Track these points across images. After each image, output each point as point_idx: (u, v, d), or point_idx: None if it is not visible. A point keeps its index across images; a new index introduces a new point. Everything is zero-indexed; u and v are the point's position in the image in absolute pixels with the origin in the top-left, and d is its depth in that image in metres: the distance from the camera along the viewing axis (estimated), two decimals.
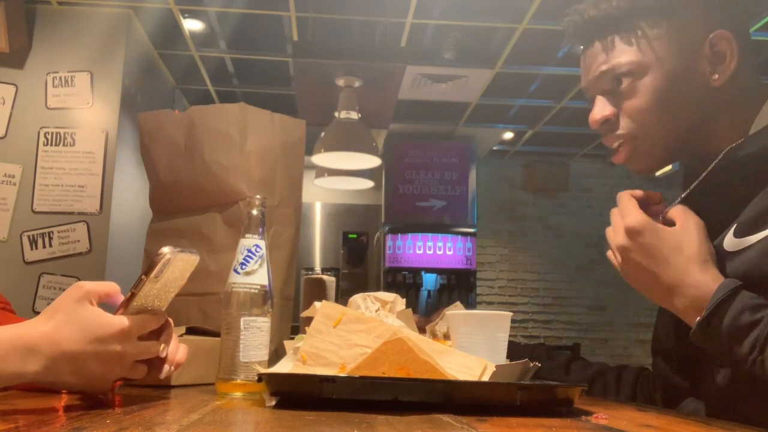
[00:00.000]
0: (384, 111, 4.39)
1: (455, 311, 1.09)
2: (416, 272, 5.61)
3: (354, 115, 3.77)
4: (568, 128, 5.61)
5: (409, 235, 5.68)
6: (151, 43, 3.99)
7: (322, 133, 3.78)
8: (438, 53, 4.13)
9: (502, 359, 1.00)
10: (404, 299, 1.17)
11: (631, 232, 0.95)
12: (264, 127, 1.38)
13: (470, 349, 0.95)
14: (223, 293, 0.95)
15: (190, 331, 1.12)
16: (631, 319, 6.43)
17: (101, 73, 3.49)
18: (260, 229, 0.98)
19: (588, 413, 0.80)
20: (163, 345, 0.84)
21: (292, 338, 1.23)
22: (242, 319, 0.93)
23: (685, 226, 0.94)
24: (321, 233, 6.02)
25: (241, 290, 0.94)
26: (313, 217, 6.00)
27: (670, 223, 0.96)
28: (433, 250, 5.66)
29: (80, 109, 3.46)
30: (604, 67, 1.03)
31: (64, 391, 0.87)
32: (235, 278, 0.95)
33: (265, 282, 0.96)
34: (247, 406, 0.84)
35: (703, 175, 1.01)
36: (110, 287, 0.80)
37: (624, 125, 1.03)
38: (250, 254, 0.96)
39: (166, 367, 0.85)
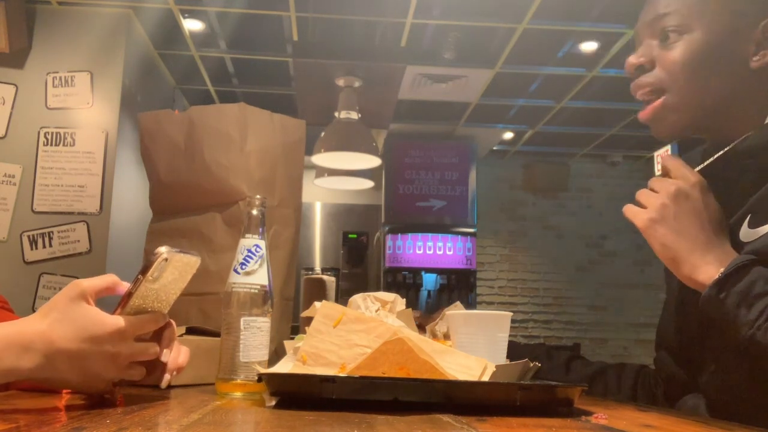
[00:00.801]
0: (384, 111, 4.39)
1: (455, 311, 1.09)
2: (416, 272, 5.61)
3: (354, 115, 3.77)
4: (568, 128, 5.61)
5: (409, 235, 5.68)
6: (151, 43, 3.99)
7: (322, 133, 3.78)
8: (438, 53, 4.13)
9: (502, 359, 1.00)
10: (404, 299, 1.17)
11: (680, 193, 0.94)
12: (264, 127, 1.38)
13: (470, 349, 0.95)
14: (223, 293, 0.95)
15: (190, 331, 1.12)
16: (631, 319, 6.43)
17: (101, 73, 3.49)
18: (260, 229, 0.98)
19: (588, 413, 0.80)
20: (164, 349, 0.83)
21: (292, 338, 1.23)
22: (242, 319, 0.93)
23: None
24: (321, 233, 6.02)
25: (241, 290, 0.94)
26: (313, 217, 6.00)
27: None
28: (433, 250, 5.66)
29: (80, 109, 3.46)
30: (661, 11, 1.03)
31: (64, 391, 0.87)
32: (235, 278, 0.95)
33: (265, 282, 0.96)
34: (247, 406, 0.84)
35: (710, 160, 1.02)
36: (108, 280, 0.79)
37: (656, 73, 1.04)
38: (250, 254, 0.96)
39: (167, 376, 0.85)
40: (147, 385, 0.96)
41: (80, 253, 3.34)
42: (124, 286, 0.80)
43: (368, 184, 4.53)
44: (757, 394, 0.90)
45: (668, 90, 1.03)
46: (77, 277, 2.75)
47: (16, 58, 3.40)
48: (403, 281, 5.57)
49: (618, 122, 5.41)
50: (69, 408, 0.77)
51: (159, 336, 0.84)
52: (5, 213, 3.32)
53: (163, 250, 0.77)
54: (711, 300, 0.88)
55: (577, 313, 6.52)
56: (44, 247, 3.33)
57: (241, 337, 0.92)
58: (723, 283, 0.87)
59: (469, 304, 5.44)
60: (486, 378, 0.85)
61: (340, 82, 3.83)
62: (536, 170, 6.53)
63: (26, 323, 0.74)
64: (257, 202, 0.98)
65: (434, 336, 1.20)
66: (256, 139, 1.35)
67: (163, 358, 0.84)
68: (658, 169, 5.57)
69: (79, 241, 3.34)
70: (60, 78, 3.46)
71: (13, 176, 3.36)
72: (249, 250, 0.96)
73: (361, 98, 3.86)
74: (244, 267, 0.95)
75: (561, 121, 5.37)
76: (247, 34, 3.98)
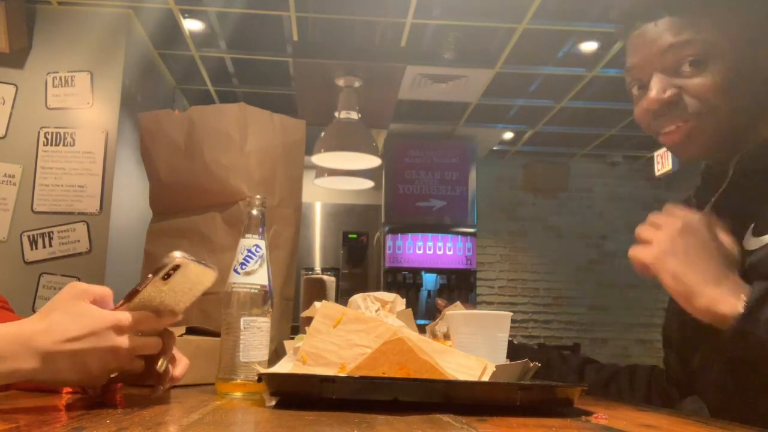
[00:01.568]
0: (384, 111, 4.39)
1: (455, 311, 1.09)
2: (416, 272, 5.61)
3: (354, 115, 3.77)
4: (568, 128, 5.61)
5: (409, 235, 5.68)
6: (151, 43, 3.99)
7: (322, 133, 3.78)
8: (438, 53, 4.13)
9: (502, 359, 1.00)
10: (404, 299, 1.17)
11: (686, 227, 0.92)
12: (264, 127, 1.38)
13: (470, 349, 0.95)
14: (223, 293, 0.95)
15: (190, 331, 1.12)
16: (631, 319, 6.43)
17: (101, 73, 3.49)
18: (260, 229, 0.98)
19: (588, 413, 0.80)
20: (161, 358, 0.83)
21: (292, 338, 1.23)
22: (242, 319, 0.93)
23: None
24: (321, 233, 6.03)
25: (241, 290, 0.94)
26: (313, 217, 6.00)
27: None
28: (433, 250, 5.66)
29: (80, 109, 3.46)
30: (672, 41, 1.00)
31: (64, 390, 0.87)
32: (235, 278, 0.95)
33: (265, 282, 0.96)
34: (247, 406, 0.84)
35: (729, 177, 1.02)
36: (103, 290, 0.79)
37: (690, 104, 1.00)
38: (250, 254, 0.96)
39: (160, 387, 0.85)
40: (147, 385, 0.96)
41: (80, 253, 3.34)
42: (111, 304, 0.80)
43: (368, 184, 4.53)
44: (760, 393, 0.90)
45: (702, 116, 1.00)
46: (77, 277, 2.76)
47: (16, 58, 3.40)
48: (403, 281, 5.58)
49: (618, 122, 5.41)
50: (69, 408, 0.77)
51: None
52: (5, 213, 3.32)
53: (177, 255, 0.76)
54: (741, 333, 0.85)
55: (577, 313, 6.52)
56: (44, 247, 3.33)
57: (241, 337, 0.92)
58: (751, 313, 0.84)
59: (469, 304, 5.43)
60: (486, 378, 0.85)
61: (340, 82, 3.83)
62: (536, 170, 6.53)
63: (26, 324, 0.74)
64: (257, 202, 0.98)
65: (434, 336, 1.20)
66: (256, 139, 1.35)
67: (161, 369, 0.83)
68: (658, 169, 5.55)
69: (79, 241, 3.34)
70: (60, 78, 3.46)
71: (13, 176, 3.36)
72: (249, 250, 0.96)
73: (361, 98, 3.86)
74: (244, 267, 0.95)
75: (561, 121, 5.37)
76: (248, 34, 3.98)
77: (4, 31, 3.24)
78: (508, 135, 5.87)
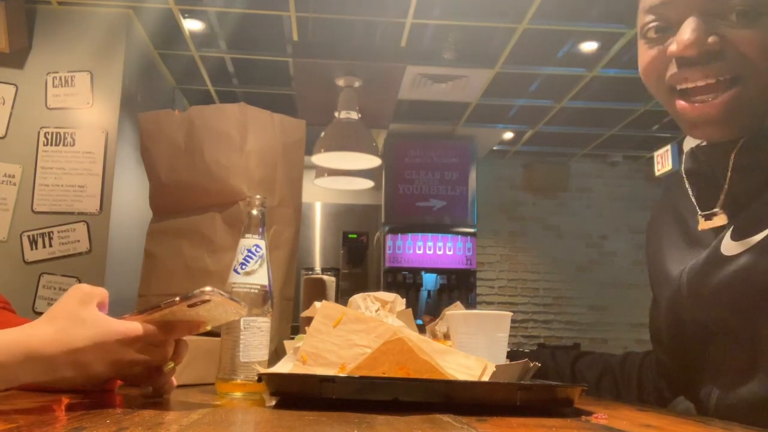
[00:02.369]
0: (384, 111, 4.39)
1: (455, 311, 1.09)
2: (416, 272, 5.62)
3: (354, 115, 3.77)
4: (568, 128, 5.61)
5: (409, 235, 5.68)
6: (151, 43, 3.99)
7: (322, 133, 3.78)
8: (438, 53, 4.13)
9: (502, 359, 1.00)
10: (404, 299, 1.17)
11: None
12: (264, 127, 1.38)
13: (470, 349, 0.95)
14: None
15: None
16: (631, 319, 6.43)
17: (101, 73, 3.49)
18: (260, 229, 0.98)
19: (588, 413, 0.80)
20: (170, 361, 0.84)
21: (292, 338, 1.23)
22: (242, 319, 0.93)
23: None
24: (321, 233, 6.03)
25: (242, 290, 0.94)
26: (313, 217, 6.00)
27: None
28: (433, 250, 5.66)
29: (80, 109, 3.46)
30: None
31: (64, 392, 0.87)
32: (235, 278, 0.95)
33: (265, 282, 0.96)
34: (247, 406, 0.84)
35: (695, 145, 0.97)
36: (102, 294, 0.79)
37: (733, 60, 0.84)
38: (250, 254, 0.96)
39: (149, 388, 0.85)
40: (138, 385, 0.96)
41: (80, 253, 3.34)
42: (106, 307, 0.80)
43: (368, 184, 4.53)
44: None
45: (743, 79, 0.85)
46: (77, 278, 2.75)
47: (16, 58, 3.40)
48: (403, 281, 5.58)
49: (618, 122, 5.41)
50: (69, 408, 0.77)
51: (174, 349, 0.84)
52: (5, 213, 3.32)
53: (208, 290, 0.76)
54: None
55: (577, 313, 6.52)
56: (44, 247, 3.33)
57: (241, 337, 0.92)
58: None
59: (469, 304, 5.44)
60: (486, 378, 0.85)
61: (340, 82, 3.83)
62: (536, 170, 6.54)
63: (31, 330, 0.74)
64: (257, 202, 0.98)
65: (434, 336, 1.20)
66: (256, 139, 1.35)
67: (166, 369, 0.84)
68: (658, 169, 5.55)
69: (79, 241, 3.34)
70: (60, 78, 3.46)
71: (13, 176, 3.36)
72: (249, 250, 0.96)
73: (361, 98, 3.86)
74: (244, 267, 0.95)
75: (561, 121, 5.37)
76: (247, 34, 3.98)
77: (4, 31, 3.25)
78: (508, 135, 5.87)
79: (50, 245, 3.33)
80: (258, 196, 0.99)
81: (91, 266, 3.33)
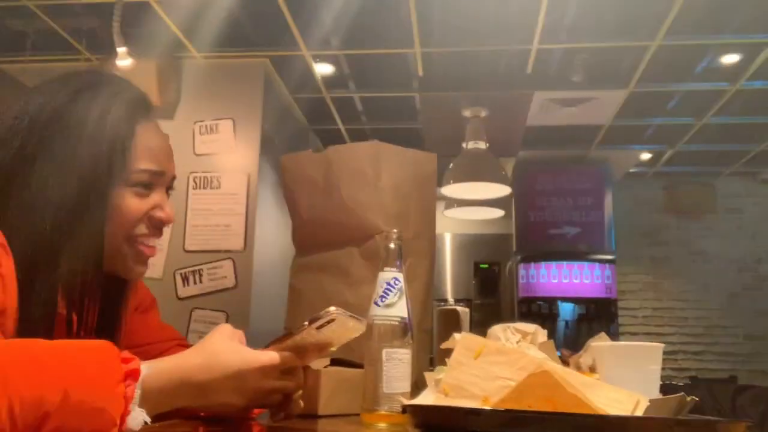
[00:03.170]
0: (512, 139, 4.35)
1: (601, 343, 1.04)
2: (552, 302, 5.44)
3: (482, 145, 3.77)
4: (712, 146, 5.28)
5: (543, 263, 5.53)
6: (286, 88, 4.21)
7: (451, 165, 3.80)
8: (566, 77, 4.04)
9: (655, 393, 0.94)
10: (545, 331, 1.14)
11: None
12: (396, 162, 1.41)
13: (620, 382, 0.90)
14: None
15: (334, 362, 1.15)
16: None
17: (242, 119, 3.72)
18: (398, 262, 0.99)
19: None
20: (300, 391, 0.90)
21: (431, 370, 1.23)
22: (384, 351, 0.94)
23: None
24: (452, 264, 6.01)
25: (382, 322, 0.96)
26: (444, 248, 6.01)
27: None
28: (569, 279, 5.47)
29: (224, 153, 3.70)
30: None
31: (211, 420, 0.93)
32: (375, 311, 0.97)
33: (405, 314, 0.97)
34: None
35: None
36: (241, 335, 0.88)
37: None
38: (389, 287, 0.98)
39: (281, 414, 0.90)
40: (296, 415, 1.00)
41: (227, 289, 3.54)
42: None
43: (498, 213, 4.49)
44: None
45: None
46: (226, 312, 2.90)
47: (167, 109, 3.70)
48: (539, 311, 5.42)
49: (767, 137, 5.02)
50: None
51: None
52: (160, 253, 3.59)
53: (333, 309, 0.83)
54: None
55: (731, 343, 6.03)
56: (195, 283, 3.56)
57: (384, 368, 0.94)
58: None
59: (612, 335, 5.17)
60: (639, 413, 0.81)
61: (467, 113, 3.85)
62: (679, 191, 6.18)
63: (183, 359, 0.81)
64: (394, 236, 1.00)
65: (579, 369, 1.16)
66: (390, 174, 1.39)
67: (296, 397, 0.90)
68: None
69: (226, 277, 3.55)
70: (206, 126, 3.72)
71: None
72: (388, 283, 0.98)
73: (488, 127, 3.85)
74: (384, 299, 0.97)
75: (703, 138, 5.07)
76: (374, 73, 4.11)
77: (155, 87, 3.54)
78: (646, 156, 5.60)
79: (200, 281, 3.56)
80: (395, 230, 1.01)
81: (237, 300, 3.51)
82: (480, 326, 1.26)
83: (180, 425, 0.90)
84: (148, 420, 0.72)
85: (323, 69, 4.00)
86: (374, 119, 4.90)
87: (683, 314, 6.13)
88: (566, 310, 5.44)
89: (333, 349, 0.89)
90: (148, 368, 0.75)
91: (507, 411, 0.77)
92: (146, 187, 0.95)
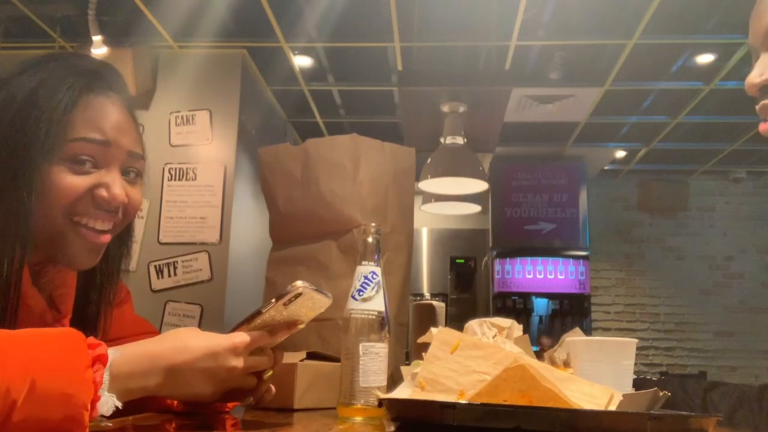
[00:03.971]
0: (490, 135, 4.37)
1: (576, 338, 1.05)
2: (526, 297, 5.49)
3: (460, 140, 3.77)
4: (686, 144, 5.35)
5: (518, 259, 5.57)
6: (264, 80, 4.18)
7: (428, 159, 3.81)
8: (544, 74, 4.07)
9: (629, 388, 0.95)
10: (521, 325, 1.15)
11: None
12: (375, 157, 1.41)
13: (594, 377, 0.91)
14: (342, 319, 0.97)
15: (310, 356, 1.15)
16: (762, 345, 5.98)
17: (219, 111, 3.69)
18: (375, 256, 0.99)
19: None
20: (270, 370, 0.89)
21: (407, 364, 1.23)
22: (361, 345, 0.94)
23: None
24: (428, 259, 6.03)
25: (359, 316, 0.96)
26: (420, 242, 6.02)
27: None
28: (543, 275, 5.52)
29: (200, 145, 3.66)
30: None
31: (184, 414, 0.92)
32: (353, 305, 0.97)
33: (382, 308, 0.97)
34: (368, 431, 0.85)
35: None
36: None
37: None
38: (366, 281, 0.98)
39: (251, 398, 0.90)
40: (271, 408, 0.99)
41: (202, 282, 3.52)
42: None
43: (475, 208, 4.51)
44: None
45: None
46: (200, 305, 2.88)
47: (143, 99, 3.65)
48: (513, 306, 5.47)
49: (740, 136, 5.10)
50: (179, 429, 0.81)
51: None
52: (134, 245, 3.54)
53: (299, 284, 0.82)
54: None
55: (702, 339, 6.14)
56: (170, 276, 3.52)
57: (360, 362, 0.94)
58: None
59: (585, 330, 5.24)
60: (613, 407, 0.82)
61: (445, 108, 3.85)
62: (652, 189, 6.25)
63: (153, 343, 0.80)
64: (372, 230, 1.00)
65: (553, 363, 1.17)
66: (368, 168, 1.38)
67: (265, 376, 0.89)
68: None
69: (201, 269, 3.52)
70: (182, 117, 3.68)
71: (141, 210, 3.58)
72: (366, 277, 0.98)
73: (466, 123, 3.86)
74: (361, 293, 0.97)
75: (677, 137, 5.13)
76: (353, 66, 4.09)
77: (131, 76, 3.49)
78: (621, 153, 5.67)
79: (175, 274, 3.52)
80: (373, 224, 1.01)
81: (212, 294, 3.49)
82: (455, 321, 1.27)
83: (153, 419, 0.89)
84: (119, 405, 0.71)
85: (302, 61, 3.98)
86: (353, 113, 4.89)
87: (655, 310, 6.22)
88: (540, 306, 5.49)
89: (301, 325, 0.88)
90: (115, 353, 0.74)
91: (482, 405, 0.77)
92: (88, 163, 0.87)
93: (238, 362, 0.82)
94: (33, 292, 0.87)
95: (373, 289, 0.97)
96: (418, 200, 4.51)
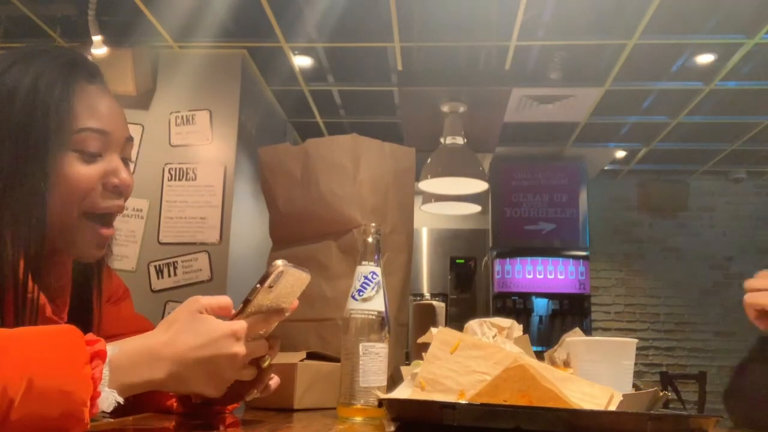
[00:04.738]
0: (490, 135, 4.36)
1: (576, 338, 1.05)
2: (526, 297, 5.49)
3: (460, 140, 3.77)
4: (686, 144, 5.35)
5: (518, 259, 5.57)
6: (264, 80, 4.18)
7: (428, 159, 3.81)
8: (544, 74, 4.07)
9: (628, 388, 0.95)
10: (521, 326, 1.15)
11: None
12: (375, 156, 1.41)
13: (594, 377, 0.91)
14: (342, 319, 0.97)
15: (310, 356, 1.15)
16: None
17: (219, 111, 3.69)
18: (375, 257, 0.99)
19: None
20: (267, 356, 0.88)
21: (407, 364, 1.23)
22: (360, 345, 0.94)
23: None
24: (428, 259, 6.03)
25: (359, 316, 0.96)
26: (421, 242, 6.02)
27: None
28: (543, 275, 5.52)
29: (201, 145, 3.66)
30: None
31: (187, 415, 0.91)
32: (353, 305, 0.97)
33: (382, 308, 0.97)
34: (368, 431, 0.85)
35: None
36: (224, 301, 0.85)
37: None
38: (366, 281, 0.98)
39: (254, 391, 0.89)
40: (271, 408, 0.99)
41: (202, 282, 3.51)
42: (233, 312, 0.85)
43: (475, 208, 4.51)
44: None
45: None
46: None
47: (143, 99, 3.65)
48: (513, 306, 5.46)
49: (740, 136, 5.10)
50: (179, 428, 0.80)
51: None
52: (134, 245, 3.55)
53: (279, 263, 0.82)
54: None
55: (702, 339, 6.14)
56: (169, 276, 3.52)
57: (360, 362, 0.94)
58: None
59: (585, 330, 5.24)
60: (612, 407, 0.81)
61: (445, 108, 3.85)
62: (652, 189, 6.25)
63: (152, 337, 0.79)
64: (372, 230, 1.00)
65: (553, 363, 1.17)
66: (368, 168, 1.38)
67: (263, 364, 0.88)
68: None
69: (201, 270, 3.52)
70: (182, 117, 3.68)
71: (141, 210, 3.59)
72: (366, 277, 0.98)
73: (466, 123, 3.86)
74: (361, 293, 0.97)
75: (677, 137, 5.13)
76: (353, 66, 4.09)
77: (131, 76, 3.49)
78: (621, 154, 5.66)
79: (175, 274, 3.52)
80: (373, 224, 1.01)
81: (212, 293, 3.44)
82: (455, 321, 1.27)
83: (153, 419, 0.89)
84: (120, 400, 0.70)
85: (302, 61, 3.97)
86: (353, 113, 4.88)
87: (655, 310, 6.22)
88: (540, 306, 5.49)
89: (289, 309, 0.87)
90: (114, 348, 0.73)
91: (482, 405, 0.77)
92: (94, 153, 0.89)
93: (240, 348, 0.80)
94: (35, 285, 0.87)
95: (373, 289, 0.98)
96: (418, 200, 4.51)
